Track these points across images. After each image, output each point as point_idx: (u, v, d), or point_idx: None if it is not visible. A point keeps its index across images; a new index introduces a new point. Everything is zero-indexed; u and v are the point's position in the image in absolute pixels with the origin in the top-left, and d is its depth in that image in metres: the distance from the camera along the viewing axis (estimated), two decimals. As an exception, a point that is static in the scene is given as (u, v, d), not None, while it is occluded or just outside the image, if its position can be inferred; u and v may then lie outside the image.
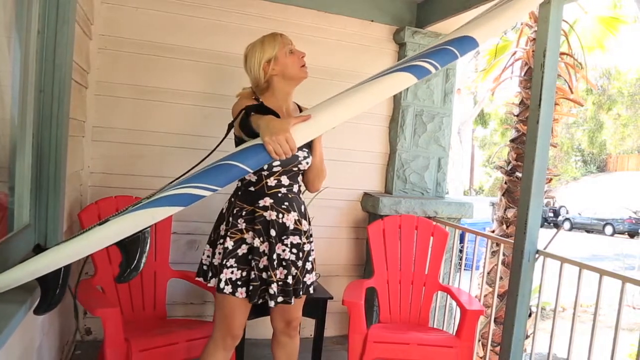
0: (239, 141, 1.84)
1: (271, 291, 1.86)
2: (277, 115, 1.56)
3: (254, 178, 1.89)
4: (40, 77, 1.61)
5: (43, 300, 1.36)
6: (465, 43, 1.51)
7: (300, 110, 2.00)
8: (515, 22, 2.19)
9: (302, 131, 1.43)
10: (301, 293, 1.95)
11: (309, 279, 1.99)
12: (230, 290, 1.84)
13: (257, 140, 1.42)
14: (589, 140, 25.36)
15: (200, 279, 1.99)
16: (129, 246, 1.35)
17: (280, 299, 1.89)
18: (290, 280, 1.89)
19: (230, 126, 1.69)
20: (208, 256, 1.97)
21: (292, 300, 1.90)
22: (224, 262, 1.85)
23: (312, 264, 2.00)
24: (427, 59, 1.48)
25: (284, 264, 1.89)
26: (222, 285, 1.84)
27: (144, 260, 1.38)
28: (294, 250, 1.93)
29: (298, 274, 1.94)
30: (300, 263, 1.95)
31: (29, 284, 1.31)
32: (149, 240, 1.39)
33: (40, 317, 1.54)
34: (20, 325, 1.29)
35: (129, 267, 1.37)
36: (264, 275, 1.87)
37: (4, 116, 1.46)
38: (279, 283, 1.88)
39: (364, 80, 1.52)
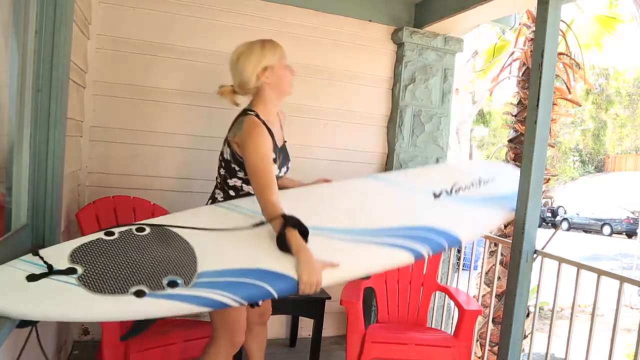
0: (233, 159, 1.82)
1: None
2: (306, 229, 1.60)
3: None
4: (38, 76, 1.61)
5: None
6: (451, 240, 2.03)
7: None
8: (491, 228, 2.71)
9: (326, 276, 1.58)
10: None
11: None
12: None
13: (291, 271, 1.54)
14: (586, 140, 25.38)
15: None
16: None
17: None
18: None
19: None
20: None
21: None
22: None
23: None
24: (424, 244, 1.90)
25: None
26: None
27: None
28: None
29: None
30: None
31: None
32: None
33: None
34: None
35: (136, 329, 1.41)
36: None
37: (1, 116, 1.46)
38: None
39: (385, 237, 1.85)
